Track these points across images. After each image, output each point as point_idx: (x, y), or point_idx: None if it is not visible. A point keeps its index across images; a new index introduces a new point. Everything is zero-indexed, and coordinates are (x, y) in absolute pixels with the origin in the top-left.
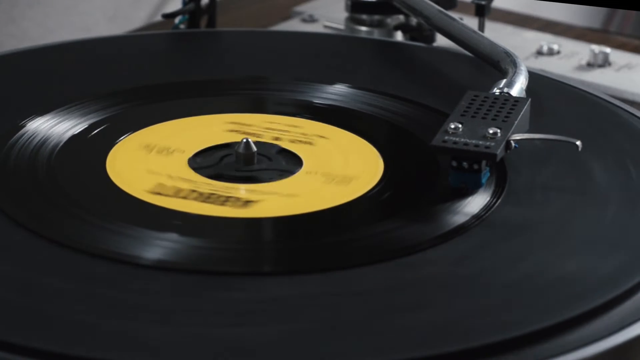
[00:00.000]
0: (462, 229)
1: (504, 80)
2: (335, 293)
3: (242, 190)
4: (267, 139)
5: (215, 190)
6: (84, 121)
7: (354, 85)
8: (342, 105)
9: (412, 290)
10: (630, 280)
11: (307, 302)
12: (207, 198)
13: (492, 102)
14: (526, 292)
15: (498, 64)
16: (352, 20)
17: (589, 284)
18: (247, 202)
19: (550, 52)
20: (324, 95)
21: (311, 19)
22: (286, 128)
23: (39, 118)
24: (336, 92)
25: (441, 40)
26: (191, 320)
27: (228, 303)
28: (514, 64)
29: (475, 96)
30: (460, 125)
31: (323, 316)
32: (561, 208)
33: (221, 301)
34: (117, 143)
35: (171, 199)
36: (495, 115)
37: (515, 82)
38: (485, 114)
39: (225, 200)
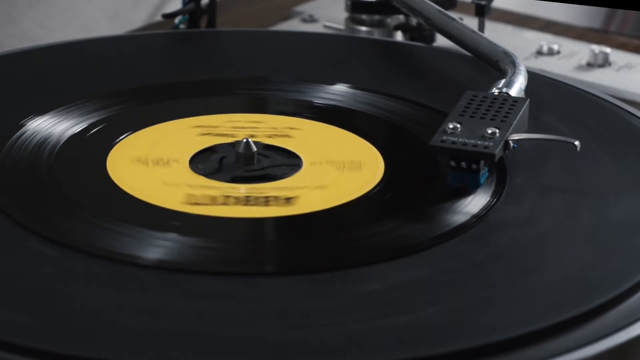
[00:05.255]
0: (462, 228)
1: (503, 80)
2: (335, 293)
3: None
4: (242, 137)
5: (249, 193)
6: (84, 121)
7: (354, 85)
8: (342, 105)
9: (412, 290)
10: (630, 280)
11: (306, 303)
12: (247, 202)
13: (491, 102)
14: (526, 292)
15: (497, 64)
16: (352, 20)
17: (589, 284)
18: (288, 199)
19: (550, 52)
20: (324, 95)
21: (311, 19)
22: (251, 125)
23: (39, 118)
24: (336, 92)
25: (441, 40)
26: (191, 321)
27: (227, 303)
28: (513, 64)
29: (474, 96)
30: (458, 125)
31: (322, 316)
32: (561, 208)
33: (220, 301)
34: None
35: (211, 207)
36: (494, 115)
37: (514, 82)
38: (484, 114)
39: (267, 200)
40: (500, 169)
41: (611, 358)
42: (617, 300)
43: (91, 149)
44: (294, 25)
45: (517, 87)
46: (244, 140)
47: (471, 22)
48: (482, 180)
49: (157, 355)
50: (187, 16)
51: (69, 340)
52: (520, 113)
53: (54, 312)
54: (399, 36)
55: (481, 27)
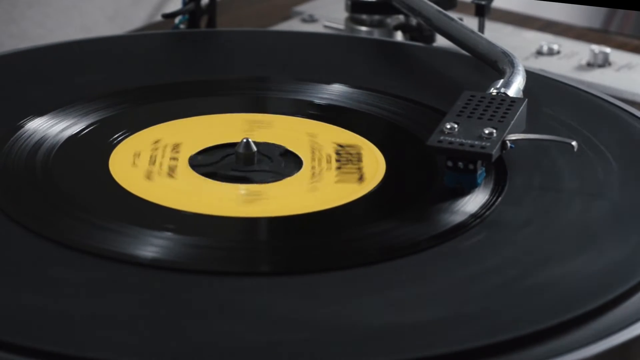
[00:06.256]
0: (461, 228)
1: (501, 81)
2: (335, 293)
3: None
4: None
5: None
6: (84, 121)
7: (353, 85)
8: (342, 105)
9: (412, 291)
10: (630, 280)
11: (306, 303)
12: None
13: (489, 103)
14: (526, 292)
15: (496, 64)
16: (352, 20)
17: (589, 283)
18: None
19: (550, 52)
20: (324, 95)
21: (311, 19)
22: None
23: (39, 118)
24: (336, 92)
25: (441, 40)
26: (190, 321)
27: (227, 304)
28: (512, 64)
29: (472, 96)
30: (456, 126)
31: (322, 317)
32: (559, 208)
33: (220, 302)
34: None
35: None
36: (492, 116)
37: (512, 82)
38: (482, 114)
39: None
40: (500, 169)
41: (611, 358)
42: (617, 300)
43: (91, 149)
44: (294, 25)
45: (515, 87)
46: (244, 140)
47: (471, 22)
48: (479, 181)
49: (156, 355)
50: (187, 16)
51: (68, 340)
52: (517, 113)
53: (53, 311)
54: (399, 36)
55: (481, 27)
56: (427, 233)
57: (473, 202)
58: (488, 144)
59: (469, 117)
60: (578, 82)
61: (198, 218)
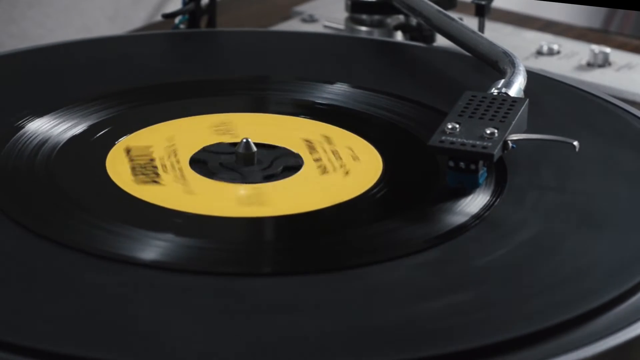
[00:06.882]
0: (462, 229)
1: (502, 81)
2: (335, 293)
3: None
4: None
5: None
6: (84, 121)
7: (354, 85)
8: (342, 105)
9: (412, 291)
10: (630, 280)
11: (306, 303)
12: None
13: (490, 102)
14: (525, 292)
15: (496, 64)
16: (352, 20)
17: (589, 284)
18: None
19: (550, 52)
20: (324, 95)
21: (311, 19)
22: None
23: (39, 118)
24: (336, 92)
25: (441, 40)
26: (190, 321)
27: (227, 304)
28: (513, 64)
29: (473, 96)
30: (457, 126)
31: (322, 317)
32: (560, 208)
33: (220, 302)
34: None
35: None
36: (493, 116)
37: (513, 82)
38: (483, 114)
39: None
40: (500, 169)
41: (611, 358)
42: (617, 300)
43: (91, 150)
44: (294, 25)
45: (516, 87)
46: (244, 140)
47: (471, 22)
48: (480, 181)
49: (157, 355)
50: (187, 16)
51: (68, 340)
52: (519, 113)
53: (53, 311)
54: (399, 36)
55: (481, 27)
56: (428, 233)
57: (474, 202)
58: (489, 144)
59: (470, 117)
60: (578, 82)
61: (198, 219)
